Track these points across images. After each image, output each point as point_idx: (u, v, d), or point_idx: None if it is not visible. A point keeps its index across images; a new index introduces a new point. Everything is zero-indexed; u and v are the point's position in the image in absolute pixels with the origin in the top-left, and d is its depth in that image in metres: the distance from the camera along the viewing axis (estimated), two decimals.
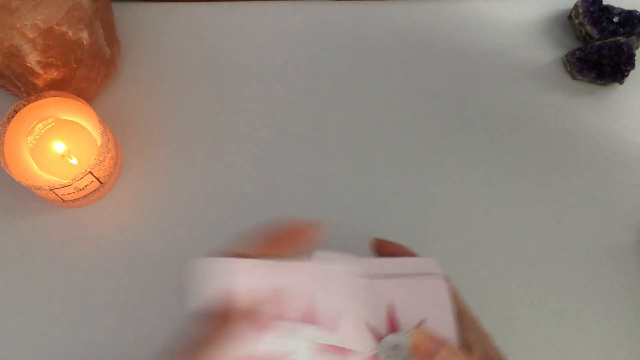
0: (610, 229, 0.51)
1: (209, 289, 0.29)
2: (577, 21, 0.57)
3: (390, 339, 0.33)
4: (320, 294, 0.30)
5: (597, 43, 0.55)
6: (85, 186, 0.46)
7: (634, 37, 0.55)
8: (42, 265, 0.48)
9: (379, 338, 0.33)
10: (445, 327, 0.35)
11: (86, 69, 0.49)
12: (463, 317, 0.36)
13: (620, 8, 0.56)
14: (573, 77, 0.56)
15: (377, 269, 0.35)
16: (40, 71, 0.46)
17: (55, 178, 0.46)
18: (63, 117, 0.48)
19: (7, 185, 0.49)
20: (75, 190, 0.46)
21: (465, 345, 0.35)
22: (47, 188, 0.44)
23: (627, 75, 0.55)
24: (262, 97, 0.54)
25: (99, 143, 0.46)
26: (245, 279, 0.28)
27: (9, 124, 0.46)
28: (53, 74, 0.47)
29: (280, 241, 0.31)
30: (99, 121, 0.46)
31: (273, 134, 0.53)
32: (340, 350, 0.30)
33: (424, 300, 0.35)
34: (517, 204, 0.52)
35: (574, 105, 0.56)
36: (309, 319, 0.29)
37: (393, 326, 0.34)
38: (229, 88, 0.54)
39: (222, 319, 0.27)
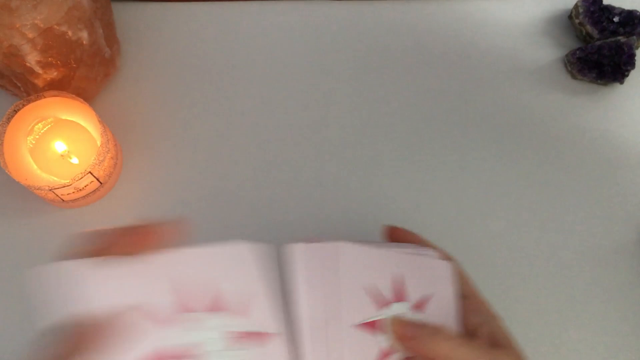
0: (610, 229, 0.51)
1: (57, 298, 0.26)
2: (577, 21, 0.57)
3: (396, 307, 0.33)
4: (225, 279, 0.29)
5: (598, 43, 0.55)
6: (85, 186, 0.46)
7: (634, 37, 0.55)
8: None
9: (384, 304, 0.33)
10: (446, 306, 0.35)
11: (86, 68, 0.49)
12: (470, 300, 0.36)
13: (620, 8, 0.56)
14: (573, 77, 0.56)
15: (385, 247, 0.36)
16: (40, 71, 0.46)
17: (54, 178, 0.46)
18: (63, 117, 0.48)
19: (6, 185, 0.49)
20: (75, 190, 0.46)
21: (470, 327, 0.35)
22: (47, 188, 0.44)
23: (627, 75, 0.55)
24: (262, 97, 0.54)
25: (98, 143, 0.46)
26: (96, 281, 0.26)
27: (8, 123, 0.46)
28: (53, 74, 0.47)
29: (128, 238, 0.28)
30: (99, 121, 0.46)
31: (273, 134, 0.53)
32: (256, 335, 0.29)
33: (429, 278, 0.36)
34: (517, 204, 0.52)
35: (574, 105, 0.56)
36: (216, 307, 0.28)
37: (400, 295, 0.34)
38: (229, 88, 0.54)
39: (77, 332, 0.25)
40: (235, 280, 0.29)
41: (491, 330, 0.35)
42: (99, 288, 0.26)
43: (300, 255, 0.31)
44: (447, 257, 0.38)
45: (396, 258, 0.35)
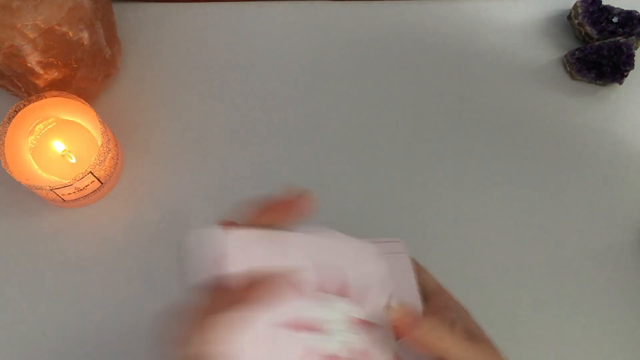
0: (610, 229, 0.51)
1: (205, 261, 0.30)
2: (576, 21, 0.57)
3: (338, 305, 0.31)
4: (352, 269, 0.32)
5: (597, 43, 0.55)
6: (86, 186, 0.46)
7: (633, 38, 0.55)
8: (42, 265, 0.48)
9: (324, 299, 0.31)
10: (411, 302, 0.35)
11: (87, 69, 0.49)
12: (438, 296, 0.36)
13: (619, 8, 0.56)
14: (572, 77, 0.56)
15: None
16: (41, 71, 0.46)
17: (55, 178, 0.46)
18: (63, 117, 0.48)
19: (7, 185, 0.49)
20: (76, 190, 0.46)
21: (447, 320, 0.34)
22: (48, 188, 0.44)
23: (626, 76, 0.55)
24: (262, 97, 0.54)
25: (99, 143, 0.46)
26: (241, 250, 0.30)
27: (9, 124, 0.46)
28: (53, 74, 0.47)
29: (273, 211, 0.32)
30: (100, 121, 0.46)
31: (273, 134, 0.53)
32: (369, 324, 0.31)
33: (377, 268, 0.34)
34: (517, 204, 0.52)
35: (574, 105, 0.56)
36: (342, 292, 0.31)
37: (343, 291, 0.32)
38: (229, 88, 0.55)
39: (217, 292, 0.28)
40: (359, 271, 0.32)
41: (466, 325, 0.34)
42: (254, 258, 0.30)
43: (234, 243, 0.30)
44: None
45: (342, 246, 0.34)
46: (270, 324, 0.29)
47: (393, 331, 0.32)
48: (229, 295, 0.28)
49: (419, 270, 0.37)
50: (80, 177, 0.44)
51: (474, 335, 0.34)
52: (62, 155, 0.48)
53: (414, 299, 0.35)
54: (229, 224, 0.31)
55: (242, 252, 0.30)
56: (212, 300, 0.28)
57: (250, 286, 0.28)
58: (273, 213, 0.32)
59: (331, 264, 0.32)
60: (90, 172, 0.45)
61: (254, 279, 0.29)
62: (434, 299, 0.36)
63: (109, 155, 0.47)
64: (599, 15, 0.56)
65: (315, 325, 0.30)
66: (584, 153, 0.54)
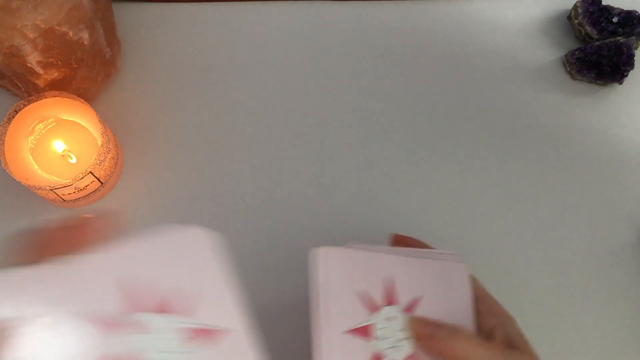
0: (610, 229, 0.51)
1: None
2: (576, 21, 0.57)
3: (386, 311, 0.34)
4: (172, 272, 0.28)
5: (597, 43, 0.55)
6: (86, 186, 0.46)
7: (633, 38, 0.55)
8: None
9: (374, 309, 0.34)
10: (462, 308, 0.36)
11: (87, 69, 0.49)
12: (484, 301, 0.37)
13: (619, 8, 0.56)
14: (572, 77, 0.56)
15: (394, 252, 0.37)
16: (41, 71, 0.46)
17: (55, 178, 0.46)
18: (63, 117, 0.48)
19: (7, 185, 0.49)
20: (76, 190, 0.46)
21: (487, 328, 0.36)
22: (48, 188, 0.44)
23: (626, 76, 0.55)
24: (262, 97, 0.54)
25: (99, 143, 0.46)
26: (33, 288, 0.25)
27: (9, 124, 0.46)
28: (53, 74, 0.47)
29: (67, 236, 0.26)
30: (100, 121, 0.46)
31: (273, 134, 0.53)
32: (206, 331, 0.28)
33: (428, 277, 0.37)
34: (516, 204, 0.52)
35: (574, 105, 0.56)
36: (163, 307, 0.27)
37: (390, 299, 0.35)
38: (229, 88, 0.55)
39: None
40: (182, 272, 0.28)
41: (507, 331, 0.35)
42: (36, 295, 0.24)
43: (313, 260, 0.33)
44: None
45: (386, 261, 0.36)
46: (341, 332, 0.32)
47: (417, 342, 0.34)
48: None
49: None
50: (80, 177, 0.44)
51: (514, 342, 0.34)
52: (63, 156, 0.48)
53: (464, 306, 0.37)
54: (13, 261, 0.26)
55: (34, 291, 0.25)
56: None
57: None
58: (65, 238, 0.26)
59: (144, 277, 0.28)
60: (90, 172, 0.45)
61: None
62: (479, 305, 0.37)
63: (109, 155, 0.47)
64: (599, 15, 0.56)
65: (375, 334, 0.34)
66: (584, 153, 0.54)
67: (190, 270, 0.28)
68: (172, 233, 0.29)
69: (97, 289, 0.26)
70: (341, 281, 0.34)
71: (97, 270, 0.26)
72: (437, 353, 0.34)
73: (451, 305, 0.36)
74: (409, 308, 0.36)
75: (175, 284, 0.27)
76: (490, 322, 0.36)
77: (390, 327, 0.34)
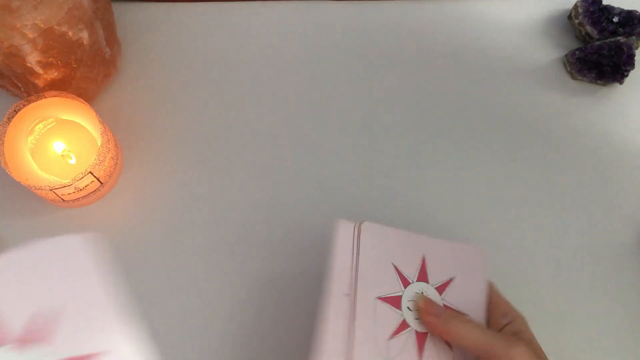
0: (610, 229, 0.51)
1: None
2: (576, 21, 0.57)
3: (417, 286, 0.39)
4: (33, 301, 0.23)
5: (597, 43, 0.55)
6: (86, 186, 0.46)
7: (633, 37, 0.55)
8: None
9: (406, 283, 0.39)
10: (477, 289, 0.40)
11: (86, 69, 0.49)
12: (497, 305, 0.40)
13: (620, 8, 0.56)
14: (573, 77, 0.56)
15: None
16: (41, 71, 0.46)
17: (55, 178, 0.46)
18: (63, 117, 0.48)
19: (7, 185, 0.49)
20: (76, 190, 0.46)
21: (497, 329, 0.38)
22: (48, 188, 0.44)
23: (626, 75, 0.55)
24: (262, 97, 0.54)
25: (99, 143, 0.46)
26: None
27: (9, 124, 0.46)
28: (53, 74, 0.47)
29: None
30: (99, 121, 0.46)
31: (273, 134, 0.53)
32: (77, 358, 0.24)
33: (458, 261, 0.40)
34: (516, 204, 0.52)
35: (574, 105, 0.56)
36: (25, 340, 0.23)
37: (422, 276, 0.39)
38: (229, 88, 0.55)
39: None
40: (47, 290, 0.24)
41: (516, 327, 0.37)
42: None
43: (343, 231, 0.39)
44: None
45: (424, 241, 0.40)
46: (373, 296, 0.37)
47: (422, 318, 0.38)
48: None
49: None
50: (80, 177, 0.44)
51: (519, 335, 0.37)
52: (62, 156, 0.48)
53: (479, 288, 0.40)
54: None
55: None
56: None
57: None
58: None
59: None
60: (90, 172, 0.45)
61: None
62: (491, 308, 0.40)
63: (109, 155, 0.47)
64: (599, 15, 0.56)
65: (403, 305, 0.37)
66: (584, 153, 0.54)
67: (56, 289, 0.24)
68: (40, 247, 0.25)
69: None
70: (381, 253, 0.39)
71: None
72: (436, 331, 0.37)
73: (473, 289, 0.40)
74: (441, 288, 0.40)
75: (38, 307, 0.23)
76: (501, 322, 0.38)
77: (415, 301, 0.38)
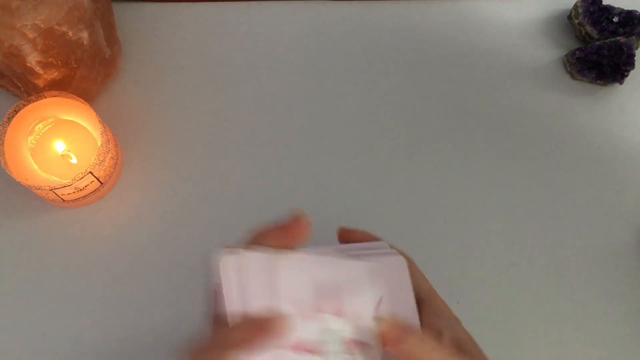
0: (610, 229, 0.51)
1: (209, 284, 0.32)
2: (577, 21, 0.57)
3: (334, 324, 0.32)
4: (348, 290, 0.32)
5: (597, 43, 0.55)
6: (86, 186, 0.46)
7: (633, 37, 0.55)
8: (42, 265, 0.48)
9: (321, 320, 0.32)
10: (405, 302, 0.34)
11: (86, 69, 0.49)
12: (430, 301, 0.35)
13: (620, 8, 0.56)
14: (573, 77, 0.56)
15: (333, 252, 0.34)
16: (41, 71, 0.46)
17: (55, 178, 0.46)
18: (63, 117, 0.48)
19: (7, 185, 0.49)
20: (76, 190, 0.46)
21: (434, 329, 0.33)
22: (48, 188, 0.44)
23: (627, 75, 0.55)
24: (262, 97, 0.54)
25: (99, 143, 0.46)
26: (237, 272, 0.31)
27: (9, 124, 0.46)
28: (53, 74, 0.47)
29: (271, 236, 0.33)
30: (99, 121, 0.46)
31: (273, 134, 0.53)
32: (363, 344, 0.31)
33: (379, 280, 0.34)
34: (516, 204, 0.52)
35: (574, 105, 0.56)
36: (339, 312, 0.32)
37: (339, 310, 0.32)
38: (229, 88, 0.55)
39: (217, 329, 0.31)
40: (356, 292, 0.33)
41: (455, 334, 0.33)
42: (259, 280, 0.31)
43: (232, 266, 0.31)
44: (400, 254, 0.36)
45: (336, 267, 0.33)
46: (276, 346, 0.31)
47: (382, 343, 0.32)
48: (225, 336, 0.30)
49: (413, 273, 0.35)
50: (80, 177, 0.44)
51: (463, 345, 0.32)
52: (62, 156, 0.48)
53: (411, 313, 0.34)
54: (251, 245, 0.33)
55: (239, 274, 0.31)
56: (212, 338, 0.30)
57: (247, 330, 0.30)
58: (272, 238, 0.33)
59: (332, 286, 0.32)
60: (90, 172, 0.45)
61: (251, 322, 0.30)
62: (425, 306, 0.34)
63: (109, 155, 0.47)
64: (599, 15, 0.56)
65: (314, 347, 0.31)
66: (584, 153, 0.54)
67: (361, 291, 0.33)
68: (355, 262, 0.34)
69: (301, 283, 0.32)
70: (261, 289, 0.31)
71: (304, 269, 0.32)
72: (395, 354, 0.31)
73: (395, 308, 0.34)
74: (353, 318, 0.32)
75: (349, 297, 0.32)
76: (436, 323, 0.33)
77: (331, 337, 0.31)
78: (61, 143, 0.48)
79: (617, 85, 0.56)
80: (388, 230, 0.50)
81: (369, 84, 0.55)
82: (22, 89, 0.49)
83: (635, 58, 0.55)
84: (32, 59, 0.45)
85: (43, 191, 0.45)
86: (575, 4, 0.57)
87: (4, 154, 0.45)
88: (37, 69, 0.46)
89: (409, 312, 0.34)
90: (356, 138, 0.53)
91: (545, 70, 0.57)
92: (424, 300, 0.35)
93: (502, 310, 0.48)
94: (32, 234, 0.49)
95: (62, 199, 0.47)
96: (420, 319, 0.34)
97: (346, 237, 0.40)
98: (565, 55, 0.57)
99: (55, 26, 0.44)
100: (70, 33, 0.45)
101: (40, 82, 0.47)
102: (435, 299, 0.35)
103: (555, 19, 0.59)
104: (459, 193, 0.52)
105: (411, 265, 0.36)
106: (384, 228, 0.50)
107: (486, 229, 0.51)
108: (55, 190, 0.44)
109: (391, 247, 0.37)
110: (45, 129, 0.48)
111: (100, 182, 0.48)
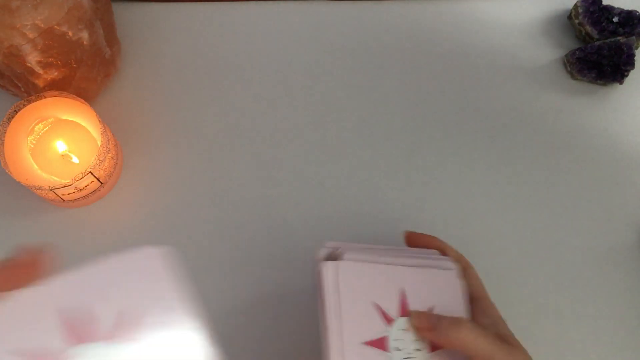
0: (610, 229, 0.51)
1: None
2: (577, 21, 0.57)
3: (399, 323, 0.36)
4: (117, 303, 0.25)
5: (597, 43, 0.55)
6: (86, 186, 0.46)
7: (633, 37, 0.55)
8: None
9: (389, 320, 0.36)
10: (455, 301, 0.38)
11: (86, 69, 0.49)
12: (480, 301, 0.38)
13: (620, 8, 0.56)
14: (573, 77, 0.56)
15: (395, 257, 0.38)
16: (41, 71, 0.46)
17: (55, 178, 0.46)
18: (63, 117, 0.48)
19: (7, 185, 0.49)
20: (76, 190, 0.46)
21: (481, 325, 0.37)
22: (48, 188, 0.44)
23: (626, 75, 0.55)
24: (262, 97, 0.54)
25: (99, 143, 0.46)
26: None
27: (9, 124, 0.46)
28: (53, 74, 0.47)
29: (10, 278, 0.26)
30: (99, 121, 0.46)
31: (273, 134, 0.53)
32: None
33: (435, 289, 0.38)
34: (516, 204, 0.52)
35: (574, 105, 0.56)
36: (109, 336, 0.25)
37: (404, 310, 0.37)
38: (229, 88, 0.55)
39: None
40: (130, 296, 0.26)
41: (499, 331, 0.36)
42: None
43: (323, 274, 0.36)
44: (459, 260, 0.40)
45: (399, 273, 0.38)
46: (359, 342, 0.35)
47: (421, 336, 0.36)
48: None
49: (469, 275, 0.40)
50: (80, 177, 0.44)
51: (507, 341, 0.36)
52: (62, 156, 0.48)
53: (461, 312, 0.38)
54: None
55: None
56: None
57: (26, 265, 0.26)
58: (10, 279, 0.26)
59: (91, 303, 0.26)
60: (90, 172, 0.45)
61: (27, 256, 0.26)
62: (475, 304, 0.38)
63: (109, 155, 0.47)
64: (599, 15, 0.56)
65: (390, 346, 0.35)
66: (584, 153, 0.54)
67: (139, 293, 0.26)
68: (119, 258, 0.28)
69: (40, 323, 0.24)
70: (361, 293, 0.36)
71: (39, 303, 0.24)
72: (440, 344, 0.35)
73: (448, 308, 0.38)
74: None
75: (122, 308, 0.25)
76: (483, 321, 0.37)
77: (405, 338, 0.36)
78: (61, 143, 0.48)
79: (617, 85, 0.56)
80: (387, 230, 0.50)
81: (368, 83, 0.55)
82: (22, 89, 0.49)
83: (635, 58, 0.55)
84: (32, 59, 0.45)
85: (43, 191, 0.45)
86: (575, 4, 0.57)
87: (3, 154, 0.45)
88: (37, 68, 0.46)
89: (460, 311, 0.38)
90: (356, 137, 0.53)
91: (545, 70, 0.57)
92: (475, 300, 0.39)
93: (501, 310, 0.48)
94: (32, 234, 0.49)
95: (62, 199, 0.47)
96: (471, 317, 0.38)
97: (414, 240, 0.43)
98: (565, 55, 0.57)
99: (55, 26, 0.44)
100: (70, 33, 0.45)
101: (40, 82, 0.47)
102: (484, 299, 0.39)
103: (555, 19, 0.59)
104: (457, 193, 0.52)
105: (467, 267, 0.40)
106: (383, 227, 0.50)
107: (485, 229, 0.51)
108: (55, 190, 0.44)
109: (454, 250, 0.41)
110: (45, 129, 0.48)
111: (100, 182, 0.47)
